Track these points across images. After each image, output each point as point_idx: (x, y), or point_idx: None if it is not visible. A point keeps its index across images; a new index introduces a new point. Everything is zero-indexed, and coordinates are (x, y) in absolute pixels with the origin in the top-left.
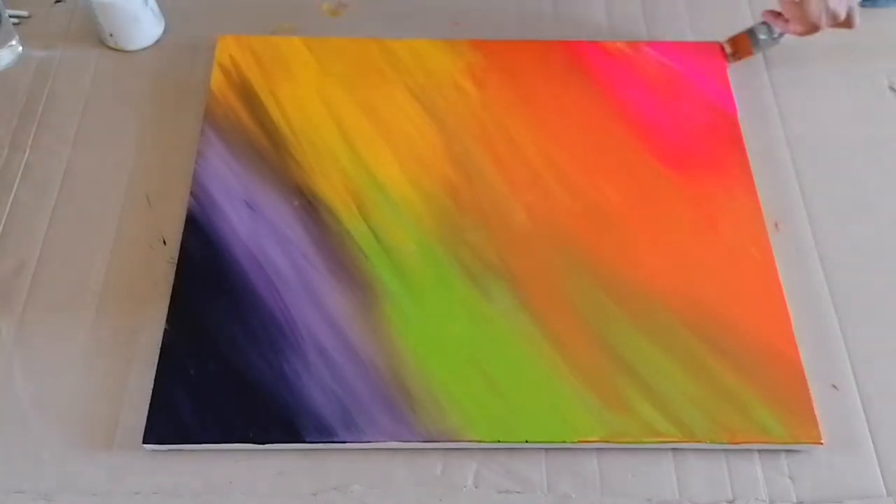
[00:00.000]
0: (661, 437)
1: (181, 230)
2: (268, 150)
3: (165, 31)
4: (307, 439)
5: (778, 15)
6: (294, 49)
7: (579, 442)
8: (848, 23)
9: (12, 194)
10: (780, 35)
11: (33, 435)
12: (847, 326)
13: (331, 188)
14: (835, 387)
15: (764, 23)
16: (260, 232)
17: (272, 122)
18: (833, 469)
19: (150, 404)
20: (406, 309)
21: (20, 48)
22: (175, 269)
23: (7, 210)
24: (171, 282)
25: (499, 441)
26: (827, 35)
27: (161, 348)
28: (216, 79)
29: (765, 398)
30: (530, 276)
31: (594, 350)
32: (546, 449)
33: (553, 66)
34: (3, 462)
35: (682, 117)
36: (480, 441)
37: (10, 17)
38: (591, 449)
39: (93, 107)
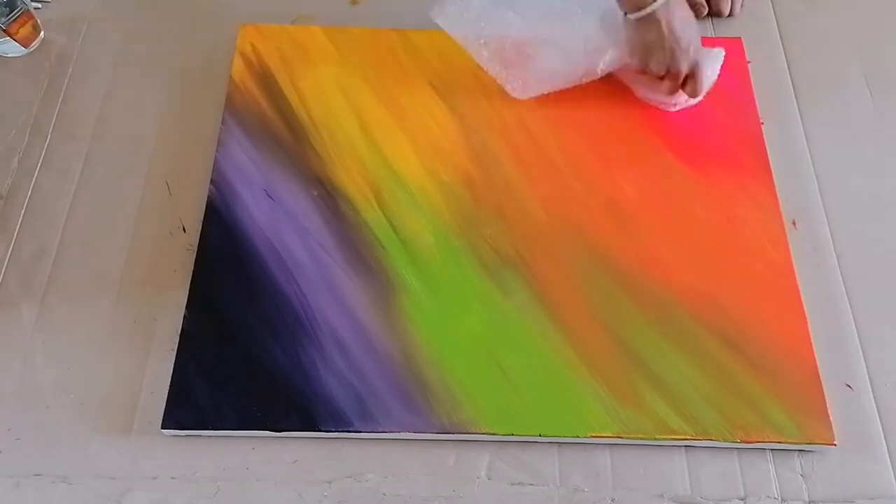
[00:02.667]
0: (675, 434)
1: (201, 218)
2: (287, 140)
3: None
4: (323, 428)
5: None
6: (314, 39)
7: (592, 437)
8: (693, 83)
9: (34, 179)
10: None
11: (53, 418)
12: (863, 326)
13: (349, 179)
14: (849, 386)
15: None
16: (279, 221)
17: (292, 111)
18: (845, 469)
19: (169, 390)
20: (422, 301)
21: (42, 33)
22: (194, 256)
23: (28, 195)
24: (191, 269)
25: (512, 434)
26: (847, 34)
27: (180, 335)
28: (237, 67)
29: (779, 397)
30: (546, 270)
31: (609, 345)
32: (559, 443)
33: None
34: (23, 445)
35: (701, 114)
36: (494, 434)
37: (32, 1)
38: (604, 443)
39: (114, 93)
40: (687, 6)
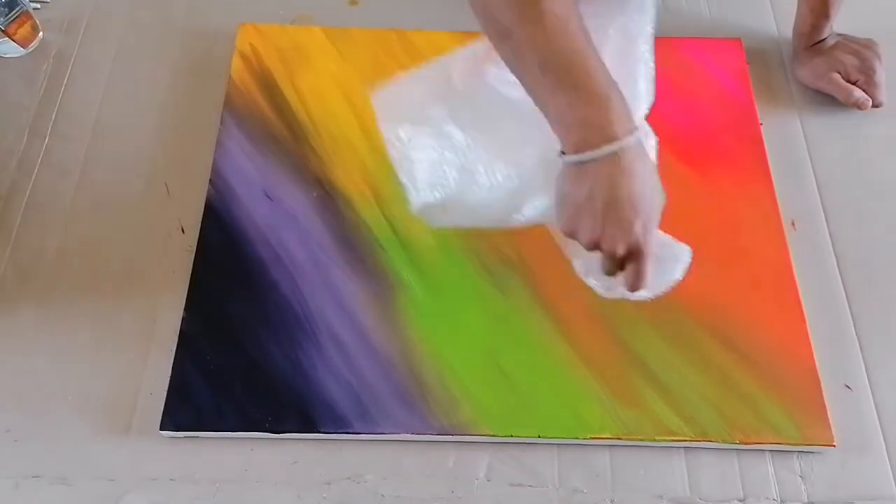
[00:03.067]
0: (674, 435)
1: (200, 218)
2: (287, 140)
3: (187, 19)
4: (322, 429)
5: None
6: (314, 38)
7: (592, 438)
8: (634, 272)
9: (32, 180)
10: None
11: (51, 420)
12: (862, 327)
13: (349, 179)
14: (848, 387)
15: None
16: (278, 222)
17: (291, 111)
18: (845, 470)
19: (168, 391)
20: (422, 301)
21: (40, 33)
22: (193, 257)
23: (27, 196)
24: (190, 270)
25: (511, 435)
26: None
27: (179, 336)
28: (236, 67)
29: (778, 398)
30: (546, 271)
31: (608, 347)
32: (558, 444)
33: None
34: (22, 446)
35: (701, 114)
36: (493, 435)
37: (31, 1)
38: (604, 445)
39: (112, 93)
40: (648, 159)
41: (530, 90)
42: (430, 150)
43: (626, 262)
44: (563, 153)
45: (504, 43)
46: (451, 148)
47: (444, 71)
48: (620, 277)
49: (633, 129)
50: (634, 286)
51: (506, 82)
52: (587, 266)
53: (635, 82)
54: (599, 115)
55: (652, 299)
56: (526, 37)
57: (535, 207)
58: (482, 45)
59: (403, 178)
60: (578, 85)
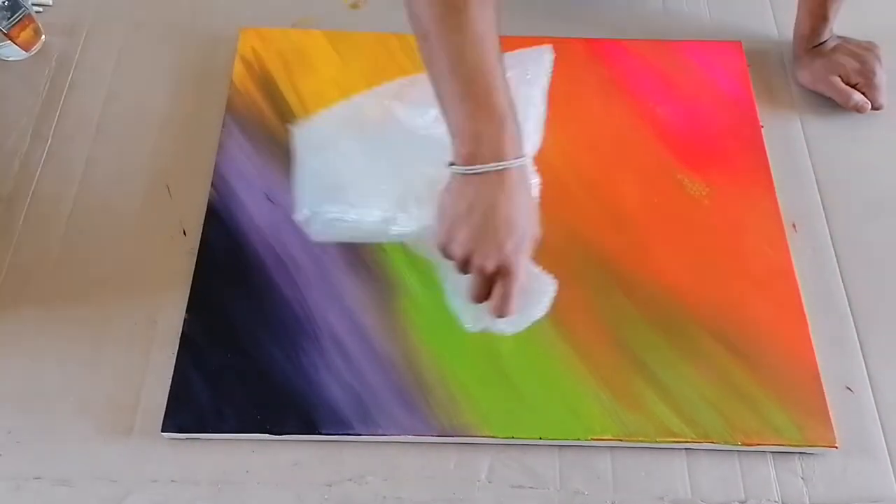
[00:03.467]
0: (675, 437)
1: (201, 221)
2: (288, 143)
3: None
4: (323, 431)
5: None
6: (315, 42)
7: (593, 440)
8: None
9: (34, 182)
10: None
11: (53, 421)
12: (863, 328)
13: None
14: (850, 389)
15: None
16: (279, 224)
17: (293, 115)
18: (847, 471)
19: (170, 393)
20: (423, 304)
21: (43, 37)
22: (195, 259)
23: (29, 198)
24: (191, 272)
25: (513, 437)
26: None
27: (181, 338)
28: (238, 71)
29: (780, 400)
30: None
31: (609, 348)
32: (560, 446)
33: (573, 64)
34: (23, 448)
35: (702, 117)
36: (494, 437)
37: (33, 5)
38: (605, 446)
39: (114, 96)
40: (528, 191)
41: (437, 94)
42: (328, 171)
43: (494, 286)
44: (452, 164)
45: (424, 43)
46: (349, 171)
47: (357, 107)
48: (486, 305)
49: (521, 155)
50: (500, 309)
51: (413, 115)
52: (456, 288)
53: (524, 121)
54: (493, 132)
55: (513, 334)
56: (443, 42)
57: (415, 219)
58: (392, 84)
59: (295, 189)
60: (480, 99)
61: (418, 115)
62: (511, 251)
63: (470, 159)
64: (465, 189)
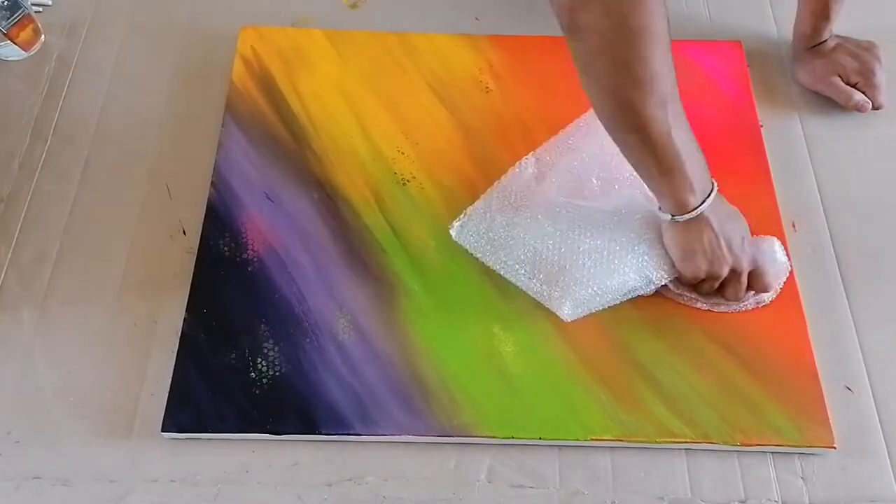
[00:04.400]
0: (675, 437)
1: (201, 220)
2: (288, 143)
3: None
4: (323, 431)
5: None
6: (315, 41)
7: (593, 440)
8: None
9: (34, 182)
10: None
11: (53, 422)
12: (862, 328)
13: (350, 182)
14: (849, 389)
15: None
16: (279, 224)
17: (292, 114)
18: (846, 471)
19: (169, 393)
20: (423, 304)
21: (42, 37)
22: (195, 259)
23: (29, 198)
24: (191, 272)
25: (513, 437)
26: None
27: (180, 337)
28: (238, 70)
29: (779, 400)
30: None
31: (609, 349)
32: (559, 446)
33: (574, 64)
34: (23, 448)
35: (701, 117)
36: (494, 437)
37: (33, 5)
38: (605, 446)
39: (114, 96)
40: (725, 204)
41: (635, 165)
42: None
43: (726, 281)
44: (673, 217)
45: (633, 135)
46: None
47: (504, 193)
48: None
49: (712, 183)
50: (735, 296)
51: (563, 187)
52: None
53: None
54: (693, 184)
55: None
56: (659, 136)
57: (662, 272)
58: (531, 160)
59: (556, 293)
60: (682, 172)
61: (576, 189)
62: (738, 251)
63: (682, 210)
64: (687, 230)
